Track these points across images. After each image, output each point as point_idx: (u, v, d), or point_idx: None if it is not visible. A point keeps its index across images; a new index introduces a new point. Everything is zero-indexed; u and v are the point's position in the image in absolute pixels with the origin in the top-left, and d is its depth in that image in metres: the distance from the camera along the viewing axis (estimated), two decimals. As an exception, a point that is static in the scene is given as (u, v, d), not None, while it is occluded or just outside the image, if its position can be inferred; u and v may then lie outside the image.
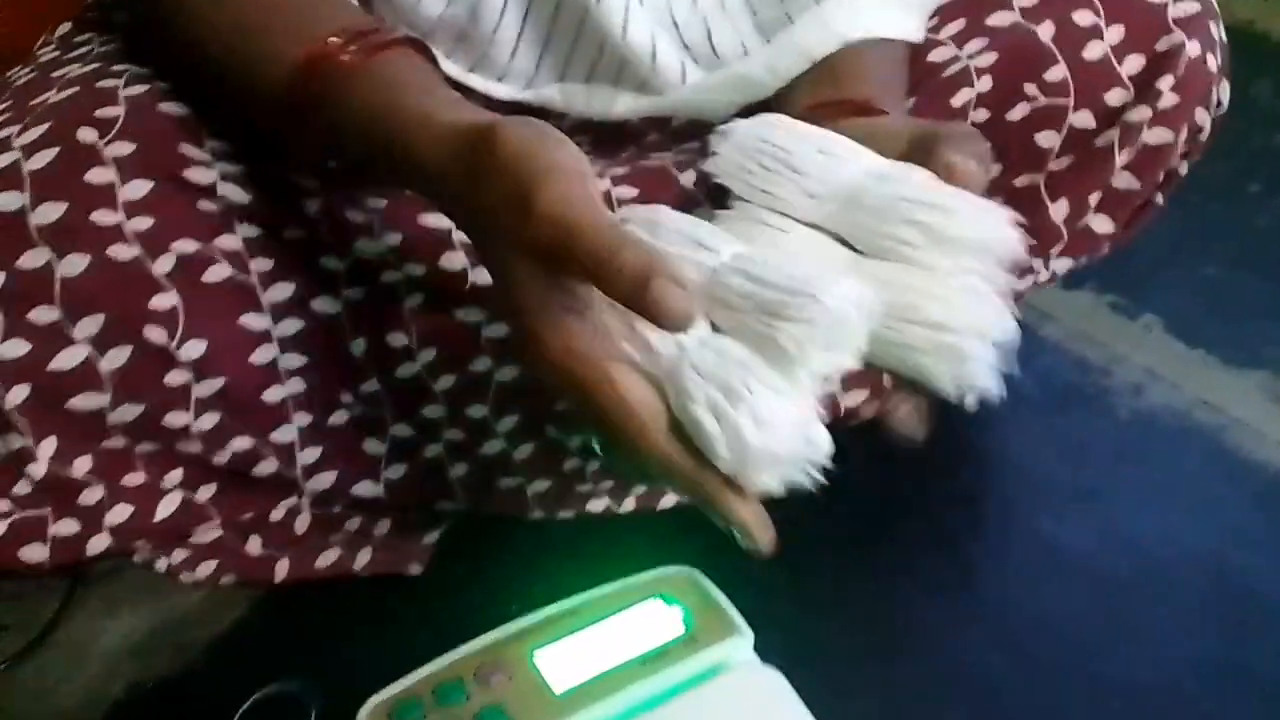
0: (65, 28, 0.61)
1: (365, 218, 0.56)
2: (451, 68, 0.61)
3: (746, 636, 0.51)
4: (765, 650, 0.51)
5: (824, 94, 0.57)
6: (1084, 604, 0.71)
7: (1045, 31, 0.60)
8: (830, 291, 0.42)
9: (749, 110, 0.59)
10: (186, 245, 0.52)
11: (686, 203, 0.61)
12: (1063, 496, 0.78)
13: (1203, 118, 0.61)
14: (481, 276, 0.57)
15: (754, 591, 0.51)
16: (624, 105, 0.62)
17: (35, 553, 0.56)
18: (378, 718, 0.48)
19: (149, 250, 0.51)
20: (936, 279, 0.46)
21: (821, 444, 0.42)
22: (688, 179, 0.60)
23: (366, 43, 0.48)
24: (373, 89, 0.47)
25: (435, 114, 0.45)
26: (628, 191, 0.60)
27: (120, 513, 0.56)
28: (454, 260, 0.57)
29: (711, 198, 0.57)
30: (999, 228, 0.46)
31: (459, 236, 0.56)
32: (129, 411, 0.53)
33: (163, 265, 0.51)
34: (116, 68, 0.55)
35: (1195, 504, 0.77)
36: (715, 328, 0.45)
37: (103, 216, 0.50)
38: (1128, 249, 0.70)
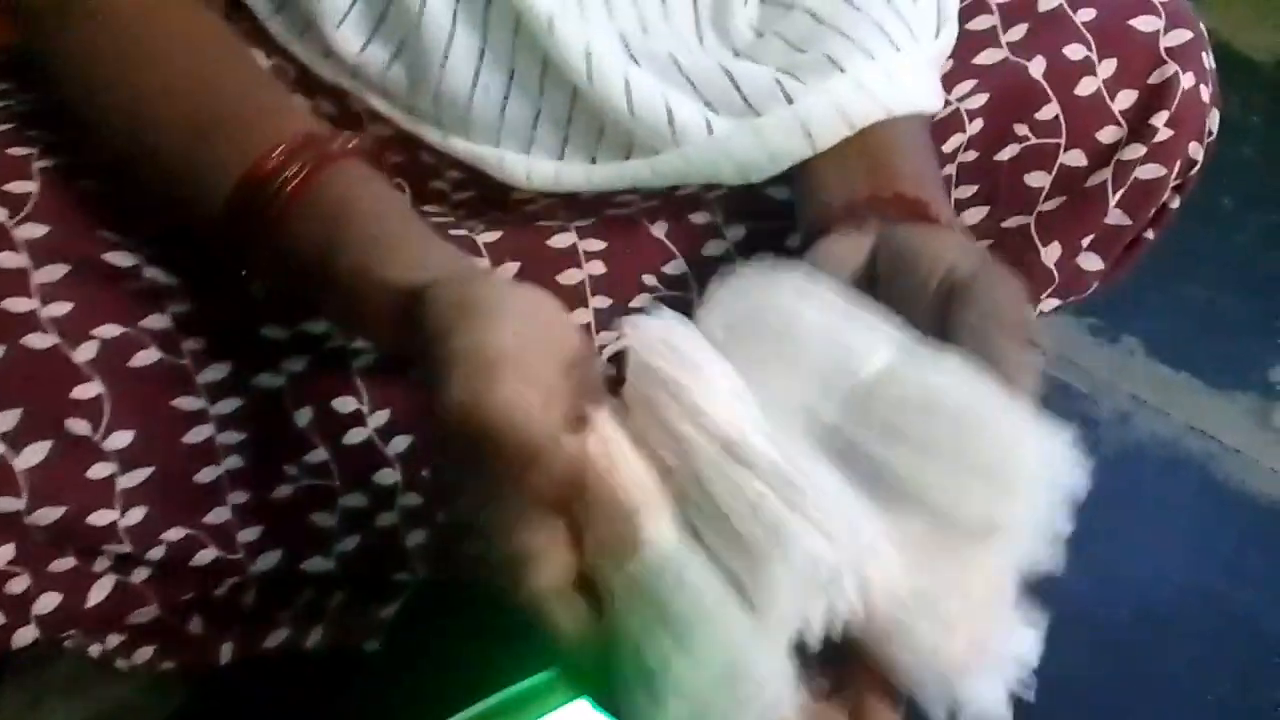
0: None
1: None
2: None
3: None
4: None
5: (872, 184, 0.49)
6: (1090, 660, 0.68)
7: (1036, 68, 0.57)
8: (797, 545, 0.33)
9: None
10: (110, 330, 0.49)
11: (659, 258, 0.58)
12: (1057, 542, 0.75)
13: (1196, 150, 0.59)
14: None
15: None
16: (631, 173, 0.55)
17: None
18: None
19: (68, 338, 0.47)
20: (968, 562, 0.35)
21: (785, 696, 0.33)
22: (659, 230, 0.57)
23: (313, 156, 0.44)
24: (315, 218, 0.44)
25: (371, 267, 0.42)
26: (594, 244, 0.57)
27: (48, 601, 0.52)
28: None
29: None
30: (1061, 458, 0.35)
31: None
32: (48, 515, 0.49)
33: (84, 353, 0.48)
34: (31, 132, 0.51)
35: (1191, 541, 0.76)
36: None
37: (15, 304, 0.46)
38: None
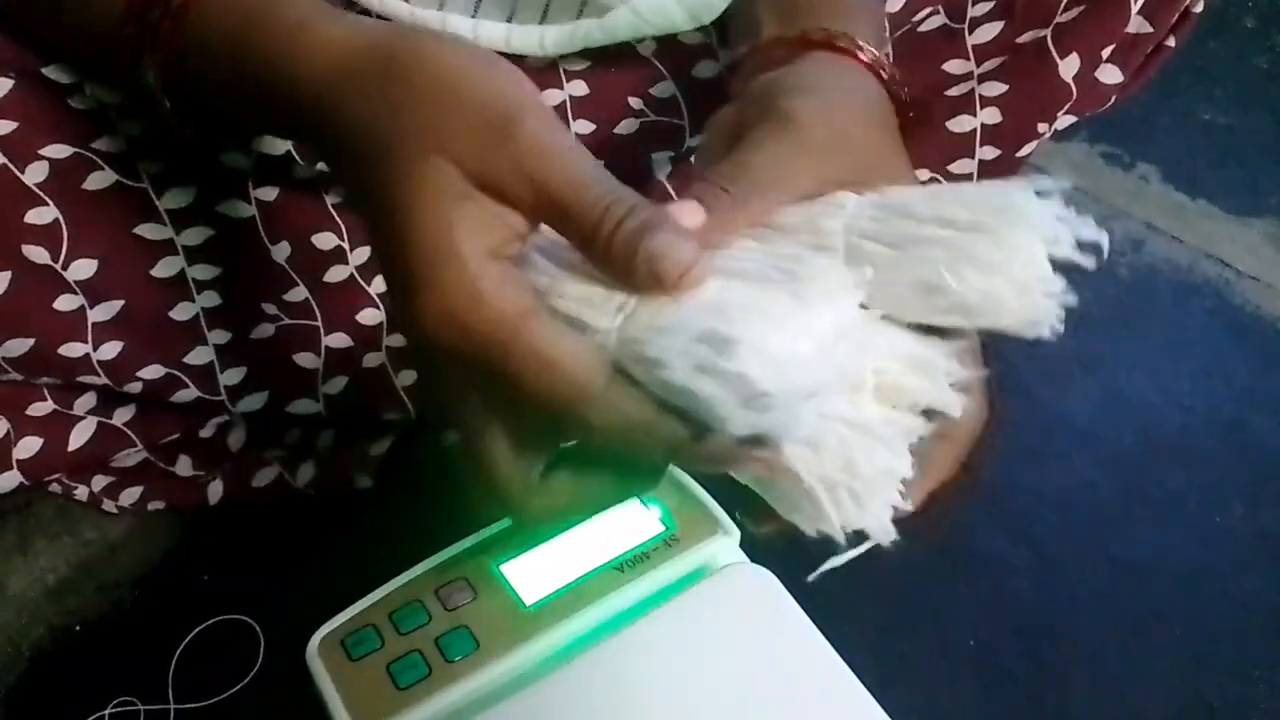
0: None
1: None
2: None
3: (732, 534, 0.48)
4: (754, 550, 0.48)
5: (766, 26, 0.46)
6: (1097, 481, 0.66)
7: None
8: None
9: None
10: (59, 150, 0.45)
11: (647, 78, 0.55)
12: (1063, 364, 0.73)
13: None
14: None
15: (738, 488, 0.46)
16: (583, 34, 0.52)
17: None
18: (330, 650, 0.45)
19: (16, 159, 0.44)
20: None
21: (859, 356, 0.34)
22: (647, 48, 0.54)
23: None
24: (222, 8, 0.39)
25: (311, 22, 0.37)
26: (576, 63, 0.54)
27: (29, 445, 0.51)
28: None
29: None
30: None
31: None
32: (18, 346, 0.47)
33: (34, 174, 0.45)
34: None
35: (1204, 366, 0.74)
36: None
37: None
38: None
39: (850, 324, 0.34)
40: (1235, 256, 0.80)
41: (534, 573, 0.47)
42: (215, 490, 0.58)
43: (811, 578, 0.36)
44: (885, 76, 0.43)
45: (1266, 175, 0.88)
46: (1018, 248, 0.34)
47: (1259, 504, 0.65)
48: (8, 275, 0.45)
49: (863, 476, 0.33)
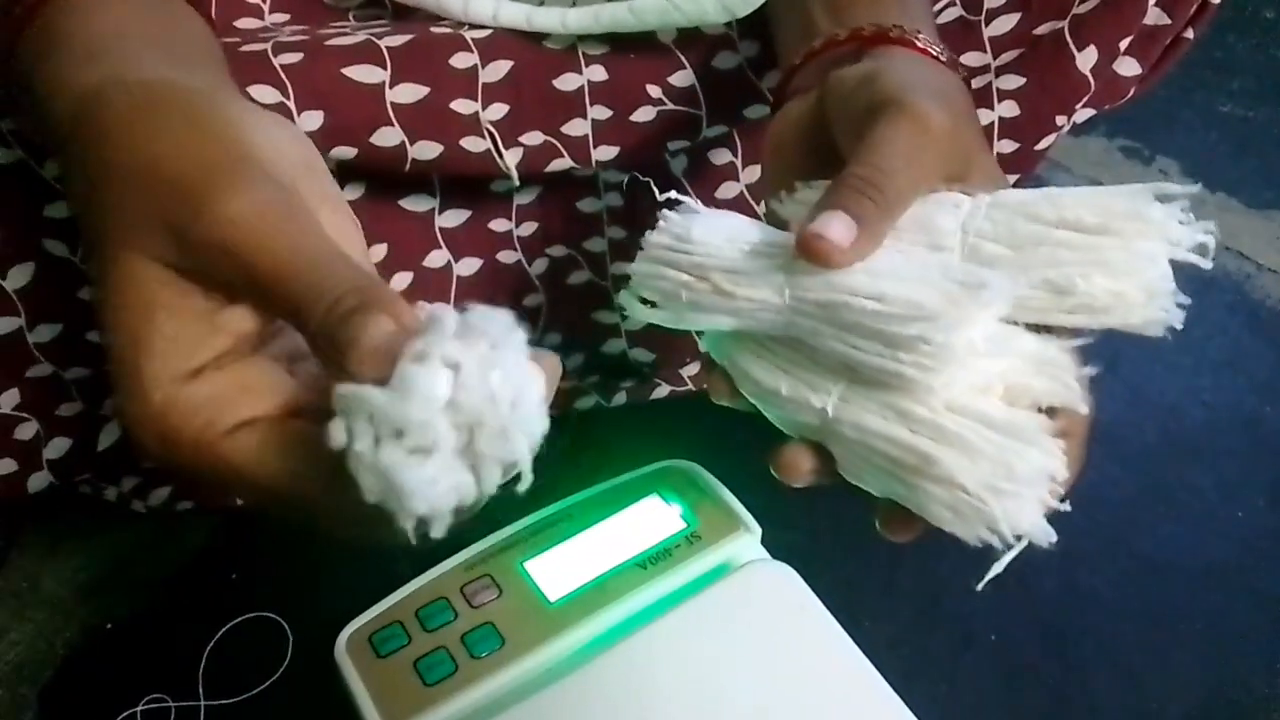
0: None
1: None
2: None
3: (754, 532, 0.49)
4: (775, 548, 0.48)
5: (820, 26, 0.46)
6: (1120, 478, 0.67)
7: None
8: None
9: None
10: None
11: (667, 67, 0.54)
12: (1089, 364, 0.73)
13: None
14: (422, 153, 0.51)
15: (759, 486, 0.47)
16: (609, 16, 0.52)
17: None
18: (357, 647, 0.46)
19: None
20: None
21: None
22: (668, 35, 0.54)
23: None
24: (43, 30, 0.35)
25: (69, 66, 0.33)
26: (596, 47, 0.54)
27: (59, 445, 0.52)
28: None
29: None
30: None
31: None
32: (46, 331, 0.48)
33: (49, 171, 0.45)
34: None
35: (1224, 361, 0.73)
36: None
37: None
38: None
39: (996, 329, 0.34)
40: (1256, 250, 0.79)
41: (558, 570, 0.47)
42: (244, 494, 0.59)
43: (980, 586, 0.35)
44: (951, 66, 0.43)
45: (1287, 168, 0.87)
46: (1145, 252, 0.35)
47: (1278, 500, 0.65)
48: (30, 266, 0.46)
49: (1020, 478, 0.33)
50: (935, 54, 0.43)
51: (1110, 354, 0.73)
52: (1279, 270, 0.78)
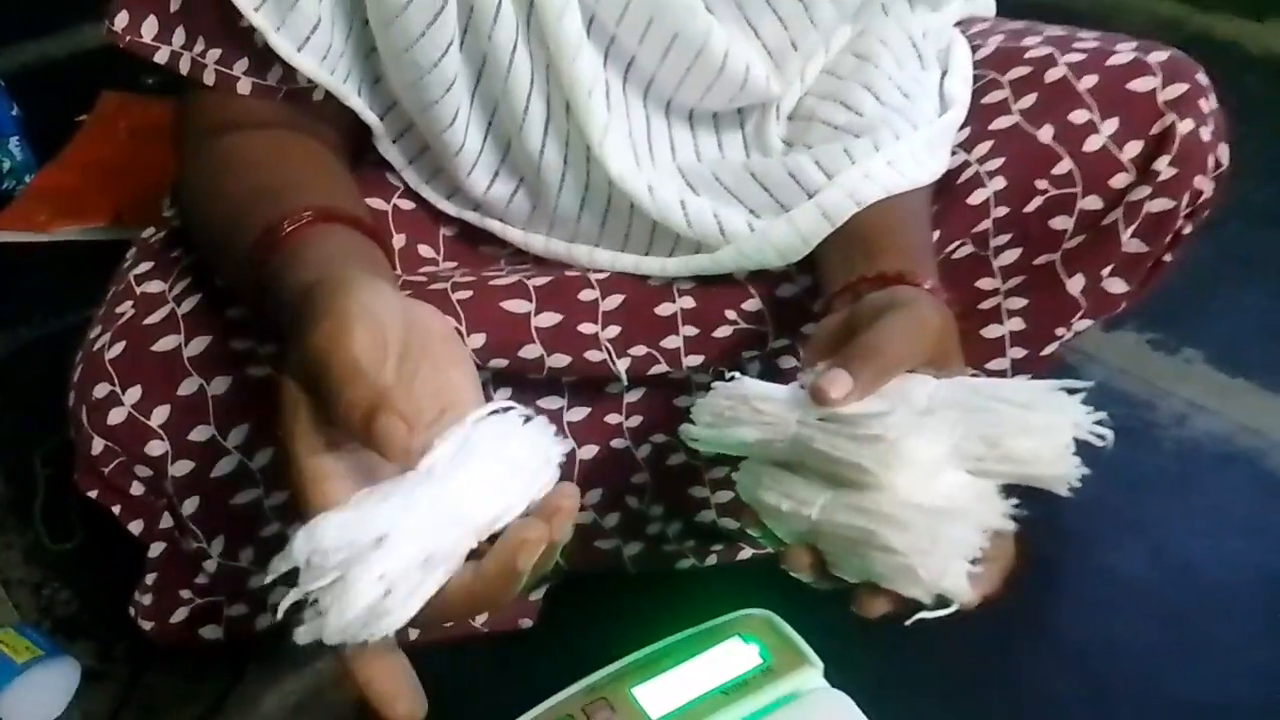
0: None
1: None
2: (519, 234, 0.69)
3: (817, 666, 0.56)
4: (838, 683, 0.55)
5: (857, 267, 0.58)
6: (1147, 628, 0.74)
7: (1045, 134, 0.65)
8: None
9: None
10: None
11: (740, 297, 0.67)
12: (1117, 527, 0.81)
13: (1203, 183, 0.66)
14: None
15: (826, 631, 0.55)
16: (696, 264, 0.66)
17: (212, 632, 0.66)
18: None
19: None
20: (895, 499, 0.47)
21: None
22: (741, 273, 0.67)
23: (307, 218, 0.52)
24: (298, 262, 0.50)
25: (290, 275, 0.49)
26: (686, 283, 0.67)
27: (282, 592, 0.64)
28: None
29: None
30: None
31: None
32: (279, 497, 0.62)
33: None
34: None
35: (1244, 527, 0.80)
36: None
37: (239, 344, 0.60)
38: (1167, 284, 0.74)
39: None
40: (1273, 429, 0.87)
41: (659, 695, 0.55)
42: (413, 631, 0.71)
43: (909, 622, 0.45)
44: (947, 302, 0.56)
45: (1307, 354, 0.94)
46: (1055, 425, 0.47)
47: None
48: (271, 450, 0.61)
49: (942, 545, 0.44)
50: (930, 289, 0.56)
51: (1138, 519, 0.81)
52: (1296, 446, 0.86)
